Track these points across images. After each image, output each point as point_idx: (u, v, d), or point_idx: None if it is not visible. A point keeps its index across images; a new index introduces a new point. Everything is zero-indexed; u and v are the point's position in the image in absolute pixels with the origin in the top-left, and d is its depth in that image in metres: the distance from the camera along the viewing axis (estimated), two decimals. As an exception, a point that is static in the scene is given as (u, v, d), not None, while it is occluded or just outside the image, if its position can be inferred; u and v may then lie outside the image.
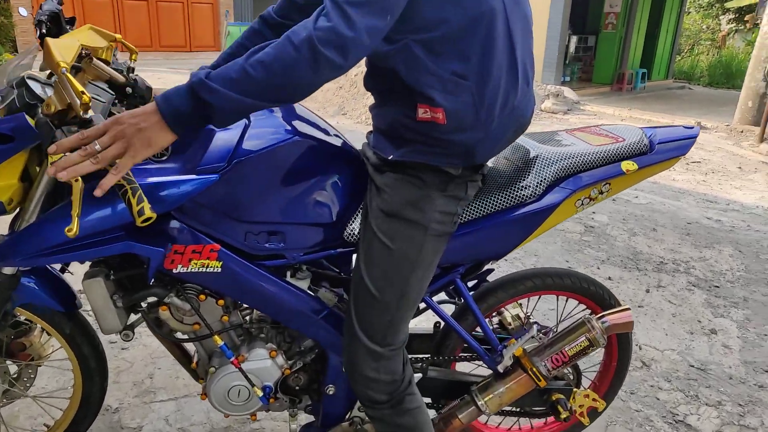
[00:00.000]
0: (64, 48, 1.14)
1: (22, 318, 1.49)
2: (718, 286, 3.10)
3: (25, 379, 1.55)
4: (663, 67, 16.60)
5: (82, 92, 1.02)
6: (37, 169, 1.23)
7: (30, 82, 1.14)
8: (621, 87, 13.74)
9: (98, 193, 1.02)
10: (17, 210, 1.25)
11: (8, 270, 1.28)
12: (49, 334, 1.49)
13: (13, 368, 1.53)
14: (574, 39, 14.26)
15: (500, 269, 2.74)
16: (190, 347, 1.58)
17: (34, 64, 1.32)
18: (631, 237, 3.72)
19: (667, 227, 3.93)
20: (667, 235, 3.78)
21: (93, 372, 1.53)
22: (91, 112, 1.06)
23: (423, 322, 2.10)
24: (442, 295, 1.72)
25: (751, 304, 2.94)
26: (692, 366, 2.37)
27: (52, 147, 1.02)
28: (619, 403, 2.10)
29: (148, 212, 1.05)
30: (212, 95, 0.98)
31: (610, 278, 3.09)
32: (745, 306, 2.91)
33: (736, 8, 21.43)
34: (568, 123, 8.16)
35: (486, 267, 1.68)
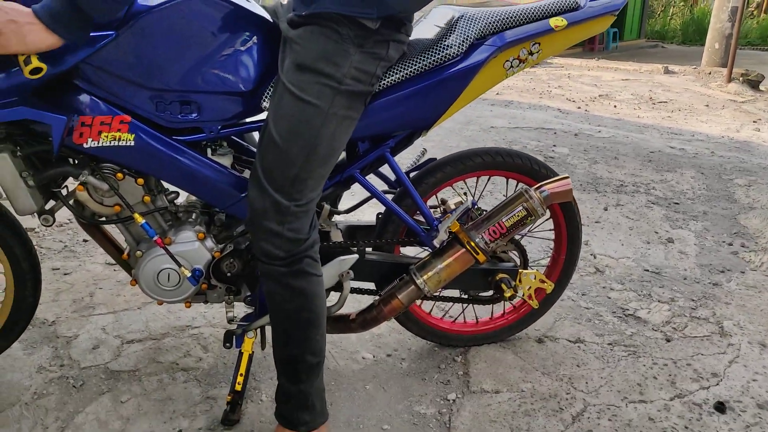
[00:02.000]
0: None
1: None
2: (678, 203, 3.04)
3: None
4: (635, 27, 16.58)
5: None
6: None
7: None
8: (593, 47, 13.68)
9: None
10: None
11: None
12: None
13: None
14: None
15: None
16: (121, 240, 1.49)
17: None
18: (592, 165, 3.64)
19: (629, 156, 3.86)
20: (628, 163, 3.71)
21: (26, 275, 1.45)
22: None
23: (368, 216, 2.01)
24: (384, 186, 1.65)
25: (710, 216, 2.88)
26: (647, 270, 2.30)
27: None
28: (569, 303, 2.02)
29: (36, 61, 1.02)
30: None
31: (568, 200, 3.02)
32: (704, 219, 2.85)
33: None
34: (534, 74, 8.05)
35: (426, 156, 1.62)
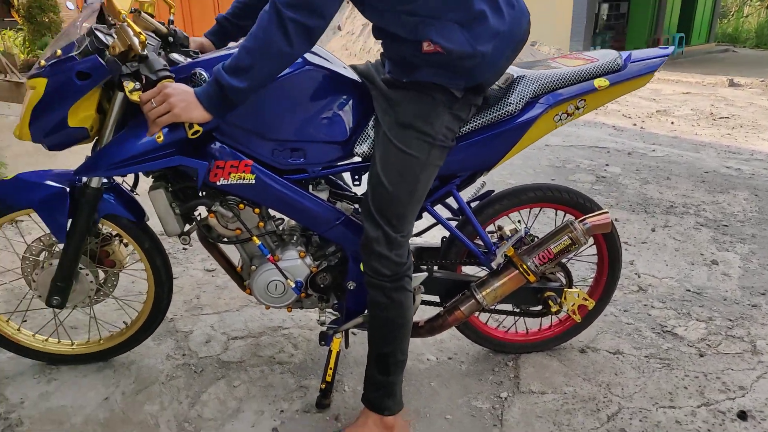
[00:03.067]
0: (120, 2, 1.41)
1: (106, 231, 1.84)
2: (726, 225, 3.20)
3: (109, 285, 1.88)
4: (704, 31, 16.11)
5: (140, 32, 1.34)
6: (107, 105, 1.55)
7: (97, 32, 1.43)
8: (657, 53, 13.43)
9: (148, 134, 1.43)
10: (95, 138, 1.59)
11: (94, 182, 1.62)
12: (126, 244, 1.85)
13: (101, 274, 1.85)
14: (605, 6, 13.95)
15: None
16: (234, 258, 1.88)
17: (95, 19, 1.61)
18: (643, 185, 3.82)
19: (681, 176, 4.01)
20: (680, 183, 3.86)
21: (163, 281, 1.86)
22: (146, 51, 1.38)
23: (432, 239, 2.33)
24: (448, 214, 1.95)
25: (758, 239, 3.03)
26: (688, 290, 2.51)
27: (146, 95, 1.38)
28: (611, 318, 2.27)
29: (196, 126, 1.40)
30: (231, 88, 1.33)
31: (616, 220, 3.23)
32: (752, 242, 3.00)
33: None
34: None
35: (485, 188, 1.91)
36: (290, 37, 1.27)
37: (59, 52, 1.43)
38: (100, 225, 1.77)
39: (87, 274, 1.79)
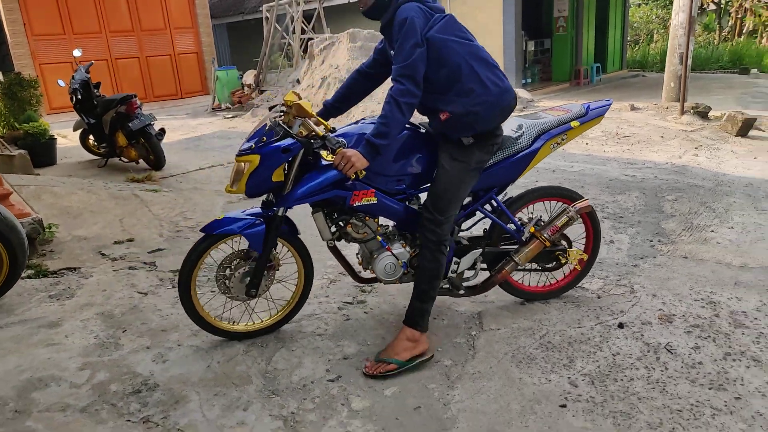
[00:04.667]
0: (306, 106, 2.43)
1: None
2: (622, 216, 4.32)
3: (273, 276, 2.85)
4: (617, 59, 18.00)
5: (321, 125, 2.46)
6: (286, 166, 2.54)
7: (282, 124, 2.49)
8: (579, 82, 15.05)
9: (350, 176, 2.46)
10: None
11: (281, 212, 2.61)
12: (289, 250, 2.84)
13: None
14: (531, 44, 15.58)
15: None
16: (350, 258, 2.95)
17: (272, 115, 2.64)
18: (564, 193, 4.94)
19: (592, 184, 5.16)
20: (591, 189, 5.01)
21: (309, 274, 2.89)
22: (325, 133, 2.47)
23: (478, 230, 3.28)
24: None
25: (643, 224, 4.16)
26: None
27: (337, 158, 2.41)
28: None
29: (360, 174, 2.44)
30: (378, 145, 2.39)
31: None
32: (638, 226, 4.13)
33: (678, -4, 22.99)
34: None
35: (507, 195, 2.97)
36: (404, 112, 2.36)
37: (264, 138, 2.46)
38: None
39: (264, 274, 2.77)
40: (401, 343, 2.59)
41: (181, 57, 16.31)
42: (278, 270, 2.85)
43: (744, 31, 21.77)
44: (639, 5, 27.33)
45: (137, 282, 3.65)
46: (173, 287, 3.56)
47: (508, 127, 2.84)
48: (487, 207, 2.90)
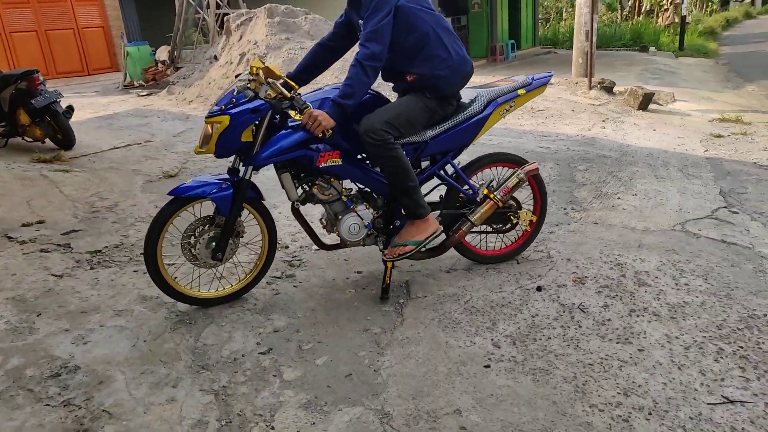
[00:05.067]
0: (275, 69, 2.51)
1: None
2: (538, 187, 4.53)
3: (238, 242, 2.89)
4: (529, 37, 18.62)
5: (291, 87, 2.54)
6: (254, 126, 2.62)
7: (248, 88, 2.56)
8: (495, 58, 15.47)
9: (318, 135, 2.60)
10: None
11: (248, 174, 2.65)
12: (253, 216, 2.89)
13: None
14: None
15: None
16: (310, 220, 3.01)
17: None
18: (483, 166, 5.12)
19: (509, 157, 5.37)
20: (509, 162, 5.21)
21: (273, 239, 2.94)
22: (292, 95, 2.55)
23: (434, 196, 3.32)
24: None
25: (557, 193, 4.39)
26: (512, 229, 3.75)
27: (304, 117, 2.56)
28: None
29: (327, 133, 2.53)
30: (344, 105, 2.55)
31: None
32: (552, 195, 4.35)
33: (586, -24, 23.97)
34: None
35: (459, 162, 3.08)
36: (368, 74, 2.51)
37: (234, 100, 2.51)
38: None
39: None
40: (413, 228, 2.82)
41: (86, 31, 15.34)
42: (242, 237, 2.88)
43: (642, 10, 23.01)
44: (550, -16, 28.25)
45: (51, 265, 3.48)
46: (91, 269, 3.43)
47: (464, 95, 2.97)
48: (444, 172, 3.06)
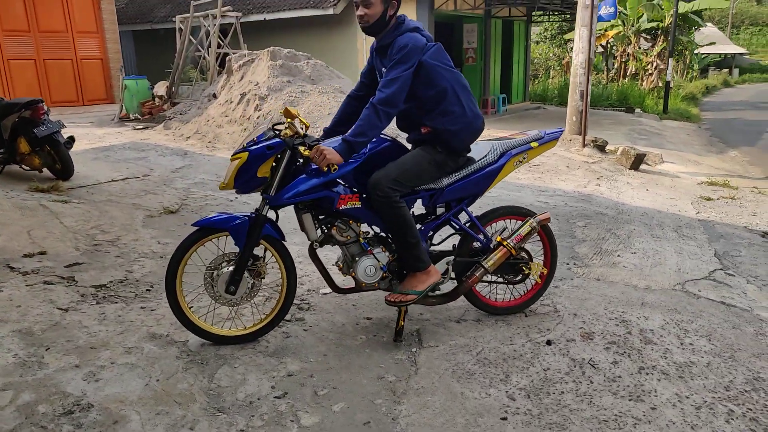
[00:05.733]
0: (292, 110, 2.63)
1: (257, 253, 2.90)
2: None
3: (257, 287, 2.95)
4: (520, 91, 19.16)
5: (304, 125, 2.62)
6: (274, 163, 2.73)
7: (275, 129, 2.74)
8: (486, 111, 15.84)
9: (323, 169, 2.68)
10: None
11: (264, 211, 2.74)
12: (273, 256, 2.91)
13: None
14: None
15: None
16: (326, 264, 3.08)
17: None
18: (485, 217, 5.22)
19: (510, 209, 5.48)
20: (509, 215, 5.32)
21: (292, 281, 2.95)
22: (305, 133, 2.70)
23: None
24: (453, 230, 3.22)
25: (559, 248, 4.43)
26: (517, 282, 3.80)
27: (313, 151, 2.65)
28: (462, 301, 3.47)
29: (333, 169, 2.63)
30: (353, 143, 2.67)
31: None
32: (555, 250, 4.43)
33: (572, 38, 24.90)
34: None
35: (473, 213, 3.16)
36: (380, 117, 2.62)
37: (255, 139, 2.64)
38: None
39: (247, 278, 2.86)
40: (415, 279, 2.89)
41: (85, 62, 15.41)
42: (263, 278, 2.92)
43: (628, 73, 23.88)
44: (537, 42, 29.26)
45: (56, 297, 3.45)
46: (97, 303, 3.40)
47: (479, 147, 3.10)
48: (460, 220, 3.15)
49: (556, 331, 3.15)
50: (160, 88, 13.29)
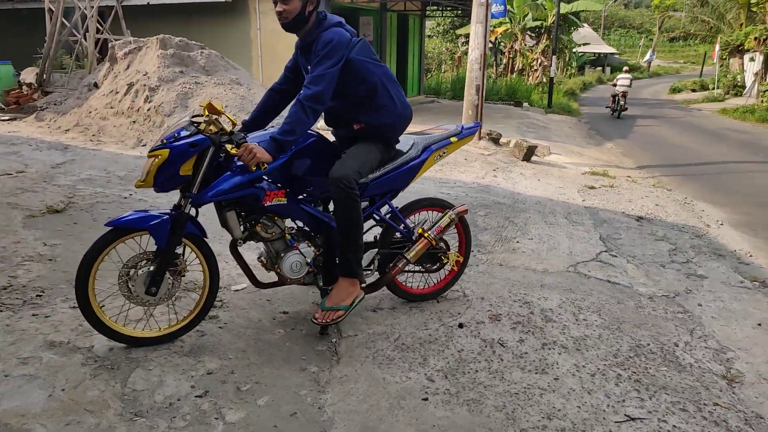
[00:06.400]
0: (217, 105, 2.52)
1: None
2: (444, 230, 4.82)
3: (177, 285, 2.82)
4: (415, 85, 19.60)
5: (231, 122, 2.55)
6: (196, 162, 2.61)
7: (194, 124, 2.58)
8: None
9: (252, 168, 2.58)
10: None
11: (188, 207, 2.60)
12: (195, 255, 2.81)
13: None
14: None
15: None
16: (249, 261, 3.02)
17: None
18: (391, 209, 5.34)
19: (414, 200, 5.66)
20: (414, 205, 5.49)
21: (214, 280, 2.87)
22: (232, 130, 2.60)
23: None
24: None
25: (463, 236, 4.69)
26: (427, 270, 3.95)
27: (241, 150, 2.55)
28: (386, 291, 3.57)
29: (263, 167, 2.53)
30: (282, 141, 2.59)
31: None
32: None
33: (465, 34, 25.90)
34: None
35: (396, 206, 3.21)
36: (308, 114, 2.58)
37: (176, 135, 2.49)
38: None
39: (168, 277, 2.73)
40: (343, 291, 2.85)
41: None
42: (184, 276, 2.81)
43: (515, 69, 25.20)
44: (430, 37, 30.08)
45: (-66, 308, 3.13)
46: (-15, 312, 3.12)
47: (402, 141, 3.15)
48: (381, 212, 3.20)
49: (466, 315, 3.32)
50: (29, 75, 12.24)
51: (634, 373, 2.82)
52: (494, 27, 22.47)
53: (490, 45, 25.25)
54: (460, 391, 2.59)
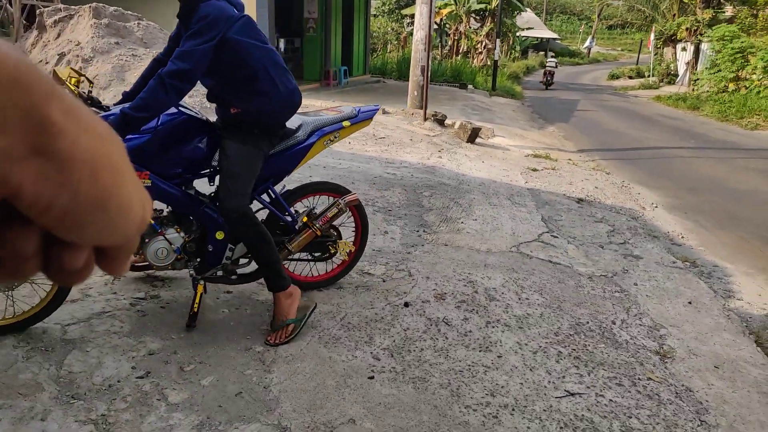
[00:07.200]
0: (62, 73, 2.32)
1: None
2: (390, 210, 4.85)
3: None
4: (360, 65, 19.45)
5: (76, 93, 2.28)
6: None
7: None
8: (328, 82, 15.90)
9: None
10: None
11: None
12: None
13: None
14: (282, 41, 15.92)
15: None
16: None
17: None
18: (338, 188, 5.32)
19: (360, 181, 5.65)
20: (360, 185, 5.48)
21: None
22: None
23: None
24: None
25: (408, 216, 4.73)
26: (373, 249, 3.97)
27: None
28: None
29: None
30: (131, 118, 2.26)
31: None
32: (405, 218, 4.69)
33: (410, 14, 25.84)
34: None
35: (285, 187, 3.07)
36: (167, 91, 2.32)
37: None
38: None
39: None
40: (283, 306, 2.74)
41: None
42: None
43: (460, 51, 25.39)
44: (375, 16, 29.85)
45: None
46: None
47: (289, 123, 2.96)
48: (265, 198, 2.99)
49: (412, 294, 3.36)
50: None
51: (574, 350, 2.93)
52: (439, 8, 22.53)
53: (435, 26, 25.31)
54: (405, 369, 2.63)
